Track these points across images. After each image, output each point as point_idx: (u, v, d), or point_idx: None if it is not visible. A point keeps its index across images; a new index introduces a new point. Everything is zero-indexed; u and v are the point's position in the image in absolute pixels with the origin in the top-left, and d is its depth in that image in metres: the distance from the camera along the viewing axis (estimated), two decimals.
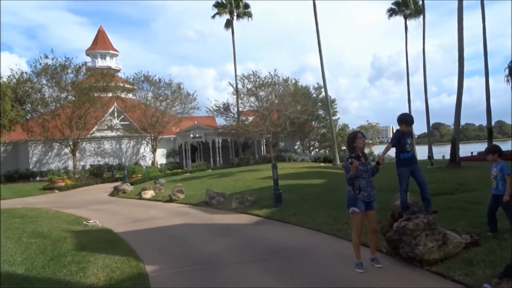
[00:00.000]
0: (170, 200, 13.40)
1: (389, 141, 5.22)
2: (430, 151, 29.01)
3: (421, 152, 42.44)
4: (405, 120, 5.03)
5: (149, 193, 15.37)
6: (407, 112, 35.42)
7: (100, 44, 46.63)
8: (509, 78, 23.81)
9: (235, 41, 36.32)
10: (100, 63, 44.52)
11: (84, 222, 9.30)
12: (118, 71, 44.94)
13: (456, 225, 5.65)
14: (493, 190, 5.36)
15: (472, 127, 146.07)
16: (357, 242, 4.79)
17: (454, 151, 17.16)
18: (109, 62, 45.53)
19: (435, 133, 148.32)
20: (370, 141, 39.77)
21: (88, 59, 44.41)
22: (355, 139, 4.80)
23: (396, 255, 4.98)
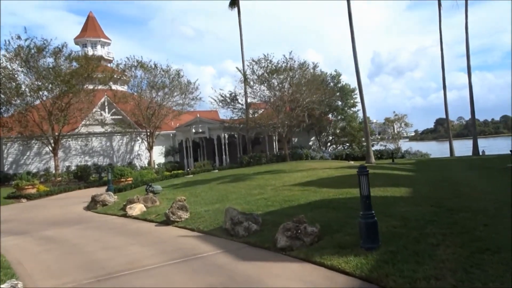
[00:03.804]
0: (168, 221, 8.67)
1: None
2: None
3: (427, 147, 37.62)
4: None
5: (138, 208, 10.64)
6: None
7: (90, 31, 41.91)
8: None
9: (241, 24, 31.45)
10: (90, 52, 39.67)
11: None
12: (111, 61, 40.15)
13: None
14: None
15: (476, 122, 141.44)
16: None
17: None
18: (100, 51, 40.73)
19: (439, 129, 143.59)
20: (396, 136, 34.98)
21: (78, 48, 39.73)
22: None
23: None
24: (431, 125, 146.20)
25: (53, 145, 25.33)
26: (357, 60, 22.71)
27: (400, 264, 4.40)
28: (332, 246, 5.38)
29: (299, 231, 5.77)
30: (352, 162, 23.63)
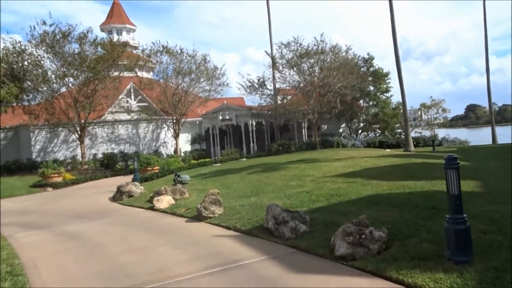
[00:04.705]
0: (199, 217, 7.78)
1: None
2: None
3: (461, 134, 35.52)
4: None
5: (166, 200, 9.82)
6: None
7: (116, 17, 41.41)
8: None
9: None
10: (115, 39, 39.20)
11: None
12: (136, 47, 39.61)
13: None
14: None
15: (510, 108, 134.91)
16: None
17: None
18: (125, 37, 40.25)
19: (470, 115, 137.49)
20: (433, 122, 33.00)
21: (103, 35, 39.36)
22: None
23: None
24: (460, 111, 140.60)
25: (79, 132, 25.08)
26: (397, 43, 21.15)
27: None
28: (408, 257, 4.29)
29: (363, 236, 4.70)
30: (388, 150, 22.21)
